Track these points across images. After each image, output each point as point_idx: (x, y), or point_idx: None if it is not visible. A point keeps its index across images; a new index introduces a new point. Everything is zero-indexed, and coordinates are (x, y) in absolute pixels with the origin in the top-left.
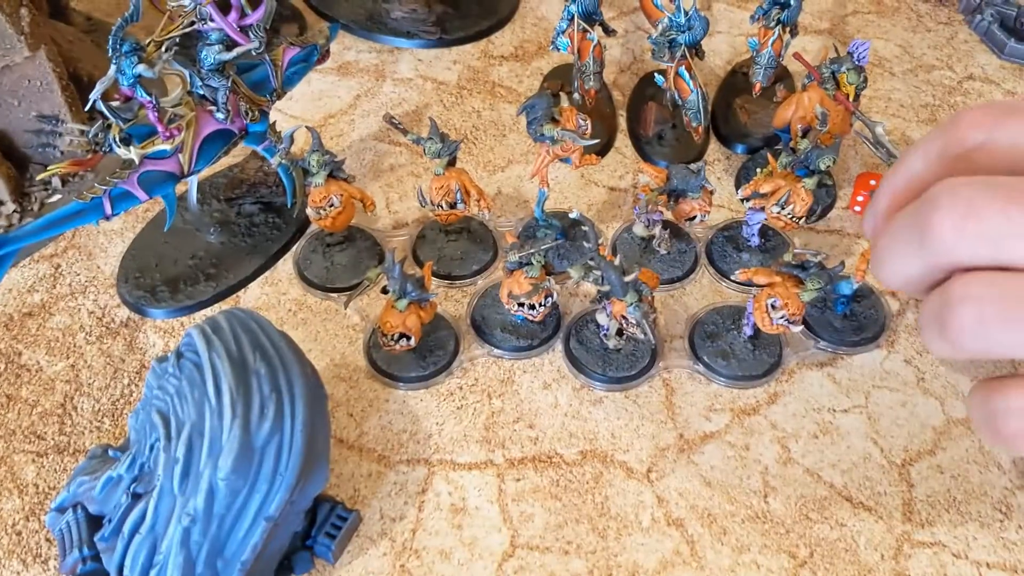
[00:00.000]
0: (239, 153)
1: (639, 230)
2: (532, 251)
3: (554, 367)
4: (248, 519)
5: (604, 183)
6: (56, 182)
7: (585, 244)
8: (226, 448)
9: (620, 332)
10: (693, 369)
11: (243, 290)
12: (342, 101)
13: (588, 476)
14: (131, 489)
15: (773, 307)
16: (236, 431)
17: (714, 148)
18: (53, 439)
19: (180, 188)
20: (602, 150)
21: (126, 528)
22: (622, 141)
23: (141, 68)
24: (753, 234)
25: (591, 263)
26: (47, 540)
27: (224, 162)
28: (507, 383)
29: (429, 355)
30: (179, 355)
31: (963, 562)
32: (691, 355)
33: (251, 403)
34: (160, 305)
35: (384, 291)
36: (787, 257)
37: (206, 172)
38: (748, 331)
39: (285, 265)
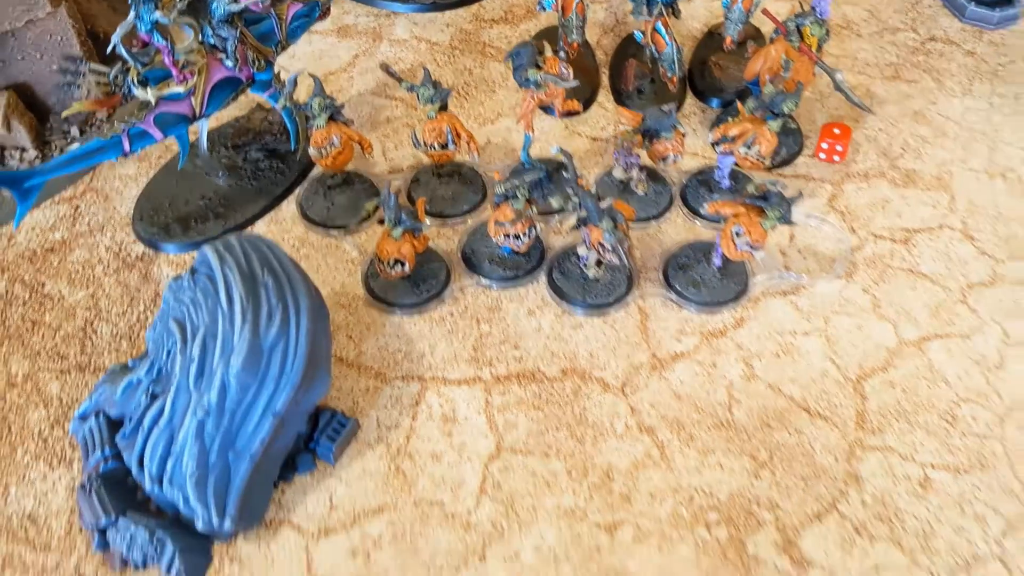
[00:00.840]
0: (246, 105)
1: (618, 173)
2: (517, 183)
3: (538, 296)
4: (257, 414)
5: (587, 134)
6: (75, 131)
7: (564, 174)
8: (237, 349)
9: (599, 263)
10: (666, 297)
11: (249, 228)
12: (341, 60)
13: (568, 390)
14: (150, 390)
15: (737, 234)
16: (246, 334)
17: (691, 103)
18: (75, 359)
19: (192, 138)
20: (585, 104)
21: (145, 423)
22: (605, 97)
23: (158, 15)
24: (724, 177)
25: (569, 191)
26: (71, 446)
27: (232, 114)
28: (494, 310)
29: (422, 284)
30: (193, 271)
31: (910, 464)
32: (664, 284)
33: (260, 310)
34: (172, 240)
35: (382, 222)
36: (750, 189)
37: (215, 123)
38: (717, 262)
39: (289, 206)
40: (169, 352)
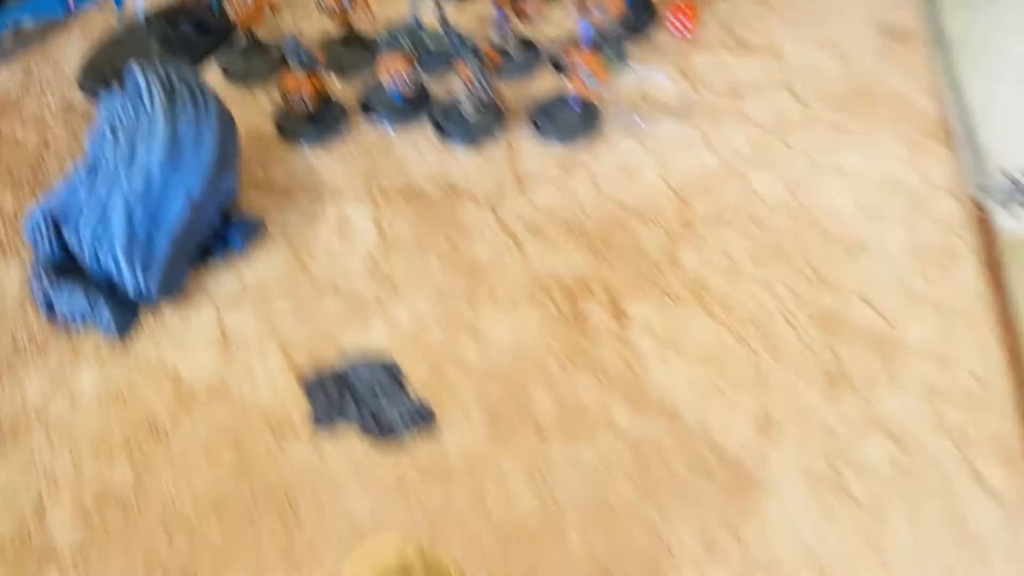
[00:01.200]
0: None
1: (496, 38)
2: (399, 30)
3: (424, 135)
4: (176, 198)
5: (473, 12)
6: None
7: (436, 15)
8: (159, 140)
9: (477, 109)
10: (532, 135)
11: None
12: None
13: (445, 206)
14: (88, 185)
15: (583, 72)
16: (167, 129)
17: None
18: (28, 182)
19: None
20: None
21: (84, 209)
22: None
23: None
24: (586, 40)
25: (440, 29)
26: (24, 245)
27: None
28: (387, 146)
29: (324, 124)
30: (122, 86)
31: (721, 255)
32: (531, 125)
33: (176, 112)
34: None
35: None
36: (596, 36)
37: (152, 8)
38: (575, 107)
39: (213, 66)
40: (104, 152)
